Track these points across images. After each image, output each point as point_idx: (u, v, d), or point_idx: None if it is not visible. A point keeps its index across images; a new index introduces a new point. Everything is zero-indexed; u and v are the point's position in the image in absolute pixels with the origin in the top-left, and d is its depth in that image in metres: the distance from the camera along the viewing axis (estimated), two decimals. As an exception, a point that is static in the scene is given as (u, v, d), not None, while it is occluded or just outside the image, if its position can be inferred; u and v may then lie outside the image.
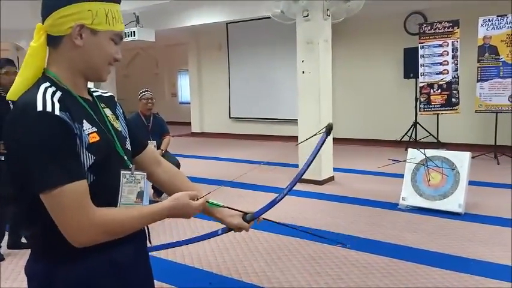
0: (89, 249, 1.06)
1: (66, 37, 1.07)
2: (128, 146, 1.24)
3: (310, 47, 5.32)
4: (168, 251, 3.29)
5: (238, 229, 1.42)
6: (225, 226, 1.43)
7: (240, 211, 1.40)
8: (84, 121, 1.07)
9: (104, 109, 1.20)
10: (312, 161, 1.37)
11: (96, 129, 1.08)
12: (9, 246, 3.44)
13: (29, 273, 1.14)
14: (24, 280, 1.22)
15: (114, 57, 1.14)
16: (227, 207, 1.36)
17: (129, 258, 1.17)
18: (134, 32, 7.30)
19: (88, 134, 1.06)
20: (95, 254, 1.08)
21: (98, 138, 1.07)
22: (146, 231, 1.32)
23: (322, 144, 1.35)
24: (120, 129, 1.21)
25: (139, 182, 1.20)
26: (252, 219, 1.43)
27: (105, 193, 1.10)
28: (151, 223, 1.15)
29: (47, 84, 1.06)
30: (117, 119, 1.24)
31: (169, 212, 1.15)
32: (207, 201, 1.29)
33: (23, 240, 3.50)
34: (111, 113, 1.22)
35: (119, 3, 1.14)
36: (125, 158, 1.17)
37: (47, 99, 1.01)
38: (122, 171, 1.15)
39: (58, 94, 1.04)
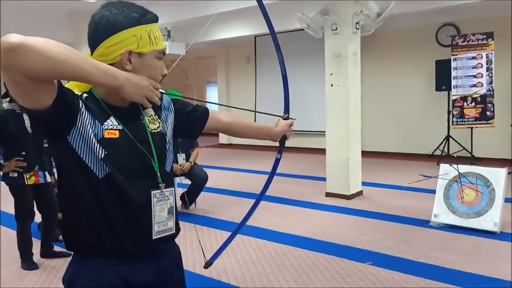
0: (101, 261, 1.14)
1: (116, 64, 1.13)
2: (168, 144, 1.27)
3: (338, 60, 5.29)
4: (195, 264, 3.31)
5: (288, 130, 1.59)
6: (279, 149, 1.63)
7: (275, 115, 1.61)
8: (112, 118, 1.14)
9: (146, 110, 1.23)
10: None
11: (120, 128, 1.14)
12: (42, 255, 3.55)
13: (63, 281, 1.22)
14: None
15: (161, 73, 1.21)
16: (186, 97, 1.43)
17: (146, 279, 1.19)
18: (166, 46, 7.48)
19: (105, 129, 1.12)
20: (106, 268, 1.15)
21: (116, 135, 1.14)
22: (178, 249, 1.34)
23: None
24: (158, 129, 1.24)
25: (169, 199, 1.23)
26: (288, 114, 1.63)
27: (117, 190, 1.13)
28: (94, 71, 1.02)
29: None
30: (159, 117, 1.27)
31: (122, 77, 1.08)
32: (167, 93, 1.31)
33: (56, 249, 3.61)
34: (153, 113, 1.25)
35: (157, 22, 1.20)
36: (158, 174, 1.20)
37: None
38: (152, 192, 1.18)
39: (84, 95, 1.14)
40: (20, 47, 0.90)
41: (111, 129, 1.13)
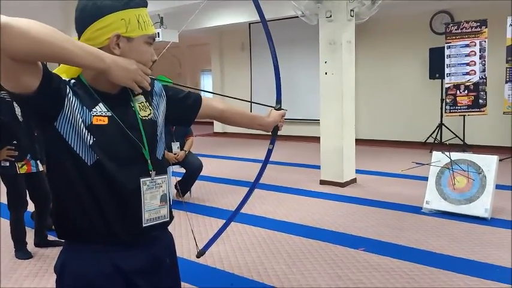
0: (93, 248, 1.15)
1: (104, 48, 1.10)
2: (159, 131, 1.26)
3: (333, 48, 5.28)
4: (191, 252, 3.34)
5: (280, 121, 1.60)
6: (271, 139, 1.64)
7: (267, 105, 1.62)
8: (100, 104, 1.13)
9: (136, 97, 1.22)
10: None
11: (109, 114, 1.13)
12: (36, 245, 3.55)
13: (54, 269, 1.23)
14: (51, 277, 1.28)
15: (150, 60, 1.18)
16: (180, 85, 1.41)
17: (138, 266, 1.19)
18: (158, 33, 7.41)
19: (93, 115, 1.11)
20: (98, 255, 1.15)
21: (105, 122, 1.12)
22: (171, 237, 1.35)
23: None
24: (149, 116, 1.23)
25: (161, 186, 1.22)
26: (280, 105, 1.63)
27: (107, 177, 1.12)
28: (79, 52, 1.01)
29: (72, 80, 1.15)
30: (150, 104, 1.26)
31: (110, 59, 1.07)
32: (157, 79, 1.30)
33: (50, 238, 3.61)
34: (143, 100, 1.24)
35: (146, 7, 1.17)
36: (148, 161, 1.18)
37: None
38: (141, 179, 1.17)
39: (72, 81, 1.13)
40: (2, 27, 0.89)
41: (100, 115, 1.12)
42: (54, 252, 3.43)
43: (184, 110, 1.39)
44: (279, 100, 1.64)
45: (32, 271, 3.15)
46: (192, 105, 1.40)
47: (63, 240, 1.21)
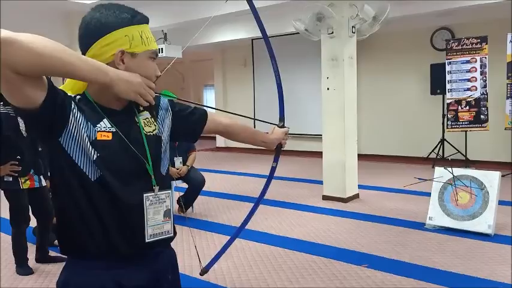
0: (95, 265, 1.14)
1: (109, 64, 1.12)
2: (164, 147, 1.26)
3: (334, 64, 5.32)
4: (193, 268, 3.32)
5: (284, 138, 1.62)
6: (274, 157, 1.66)
7: (271, 123, 1.65)
8: (105, 120, 1.14)
9: (141, 113, 1.23)
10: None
11: (114, 130, 1.14)
12: (37, 260, 3.53)
13: (57, 285, 1.23)
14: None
15: (154, 75, 1.20)
16: (181, 99, 1.43)
17: (140, 283, 1.19)
18: (162, 48, 7.49)
19: (98, 131, 1.12)
20: (100, 271, 1.15)
21: (109, 137, 1.13)
22: (173, 253, 1.34)
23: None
24: (154, 132, 1.23)
25: (165, 201, 1.21)
26: (283, 122, 1.65)
27: (110, 193, 1.12)
28: (83, 66, 1.02)
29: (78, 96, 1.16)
30: (156, 119, 1.27)
31: (113, 73, 1.09)
32: (161, 94, 1.31)
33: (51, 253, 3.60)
34: (149, 116, 1.25)
35: (148, 23, 1.20)
36: (152, 176, 1.18)
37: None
38: (144, 194, 1.18)
39: (78, 97, 1.15)
40: (5, 42, 0.90)
41: (104, 131, 1.13)
42: (56, 268, 3.41)
43: (191, 126, 1.40)
44: (282, 118, 1.66)
45: (33, 287, 3.14)
46: (198, 121, 1.42)
47: (65, 256, 1.21)
